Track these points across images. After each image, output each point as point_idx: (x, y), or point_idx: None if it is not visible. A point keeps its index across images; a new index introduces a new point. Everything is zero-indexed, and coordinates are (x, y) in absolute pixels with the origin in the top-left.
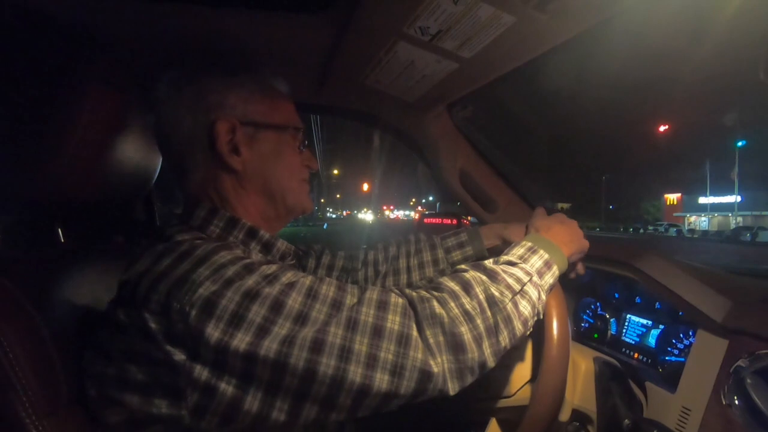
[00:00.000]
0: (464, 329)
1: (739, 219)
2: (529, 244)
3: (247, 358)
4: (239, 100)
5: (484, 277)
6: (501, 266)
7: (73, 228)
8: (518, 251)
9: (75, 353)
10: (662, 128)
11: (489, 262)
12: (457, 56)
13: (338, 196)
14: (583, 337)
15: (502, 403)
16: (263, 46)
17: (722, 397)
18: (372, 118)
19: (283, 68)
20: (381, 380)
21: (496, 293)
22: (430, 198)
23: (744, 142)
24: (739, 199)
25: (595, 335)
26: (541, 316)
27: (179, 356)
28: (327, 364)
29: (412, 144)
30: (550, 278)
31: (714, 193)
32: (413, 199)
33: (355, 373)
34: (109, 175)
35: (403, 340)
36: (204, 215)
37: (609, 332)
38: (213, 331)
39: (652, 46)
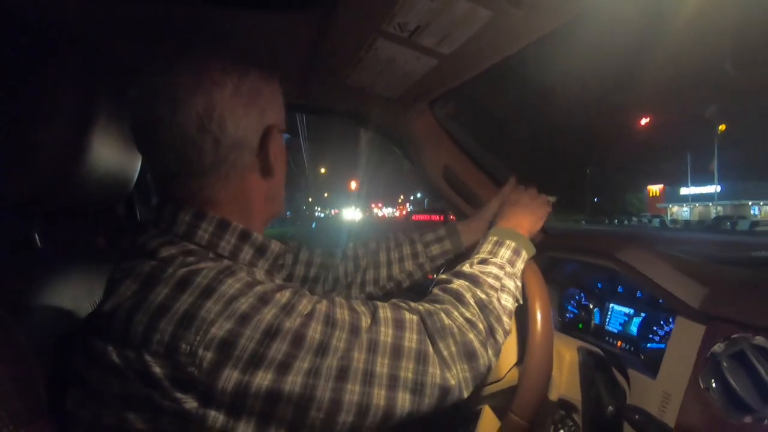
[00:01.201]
0: (472, 336)
1: (719, 209)
2: (495, 238)
3: (270, 397)
4: (278, 107)
5: (467, 283)
6: (477, 267)
7: (50, 231)
8: (487, 247)
9: (55, 361)
10: (643, 121)
11: (466, 267)
12: (437, 52)
13: (326, 194)
14: (567, 327)
15: (492, 388)
16: (244, 46)
17: (700, 381)
18: (356, 116)
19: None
20: (403, 400)
21: (483, 296)
22: (418, 195)
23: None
24: (718, 189)
25: (580, 325)
26: (521, 301)
27: (190, 404)
28: (352, 391)
29: (396, 141)
30: (521, 264)
31: (695, 184)
32: (401, 196)
33: (379, 396)
34: (87, 178)
35: (421, 358)
36: (189, 220)
37: (593, 322)
38: (231, 373)
39: (631, 39)
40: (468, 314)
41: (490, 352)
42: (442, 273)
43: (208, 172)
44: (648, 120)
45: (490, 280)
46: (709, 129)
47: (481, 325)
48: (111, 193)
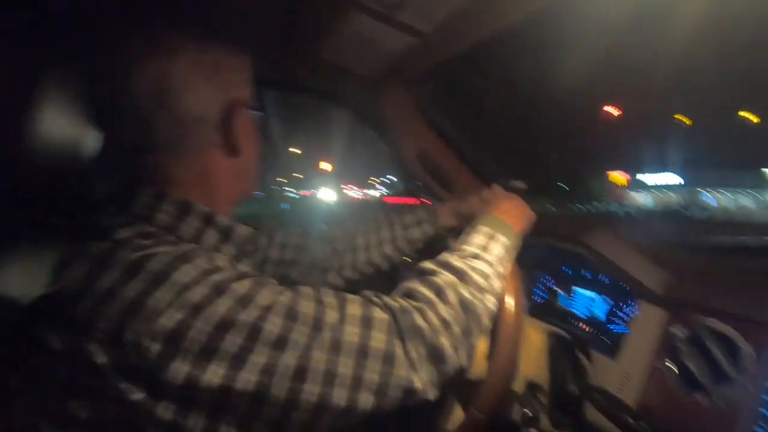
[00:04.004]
0: (444, 339)
1: (677, 196)
2: (487, 229)
3: (222, 392)
4: (245, 82)
5: (453, 279)
6: (467, 262)
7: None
8: (478, 239)
9: (3, 350)
10: (609, 109)
11: (455, 259)
12: (416, 30)
13: (299, 176)
14: (534, 310)
15: (459, 378)
16: (215, 18)
17: (658, 362)
18: (331, 95)
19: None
20: (366, 401)
21: (468, 296)
22: (390, 177)
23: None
24: (677, 177)
25: (546, 308)
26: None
27: (137, 394)
28: (311, 392)
29: (371, 122)
30: (508, 263)
31: (654, 171)
32: (373, 178)
33: (340, 397)
34: (38, 154)
35: (388, 359)
36: (149, 201)
37: (558, 305)
38: (180, 365)
39: (605, 29)
40: (445, 313)
41: (461, 354)
42: (426, 260)
43: (166, 148)
44: (614, 109)
45: (478, 278)
46: (670, 121)
47: (456, 328)
48: (64, 168)
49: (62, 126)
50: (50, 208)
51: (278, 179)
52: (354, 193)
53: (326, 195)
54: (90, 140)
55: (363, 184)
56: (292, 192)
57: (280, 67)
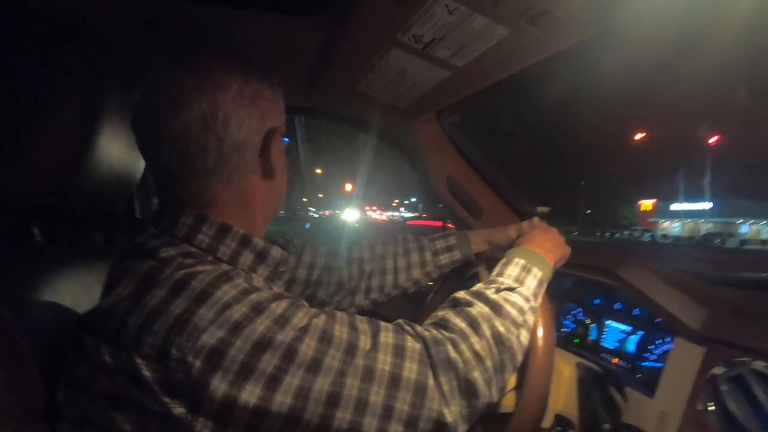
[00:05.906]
0: (477, 374)
1: (710, 225)
2: (523, 261)
3: (257, 413)
4: (280, 111)
5: (489, 311)
6: (503, 295)
7: (51, 227)
8: (513, 271)
9: (52, 360)
10: (639, 136)
11: (491, 291)
12: (449, 65)
13: (321, 195)
14: (564, 341)
15: (486, 411)
16: (255, 47)
17: (698, 403)
18: (362, 122)
19: (274, 70)
20: (395, 431)
21: (503, 330)
22: (413, 199)
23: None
24: (710, 206)
25: (576, 340)
26: None
27: (178, 409)
28: (342, 419)
29: (401, 149)
30: (540, 296)
31: (686, 200)
32: (396, 200)
33: (370, 425)
34: (91, 176)
35: (420, 390)
36: (191, 223)
37: (589, 337)
38: (220, 384)
39: (634, 58)
40: (478, 347)
41: (493, 389)
42: (463, 291)
43: (211, 173)
44: (643, 135)
45: (514, 313)
46: (702, 146)
47: (489, 362)
48: (114, 190)
49: (115, 150)
50: (100, 229)
51: (304, 200)
52: (376, 214)
53: (349, 215)
54: (137, 165)
55: (386, 206)
56: (314, 212)
57: (315, 95)
